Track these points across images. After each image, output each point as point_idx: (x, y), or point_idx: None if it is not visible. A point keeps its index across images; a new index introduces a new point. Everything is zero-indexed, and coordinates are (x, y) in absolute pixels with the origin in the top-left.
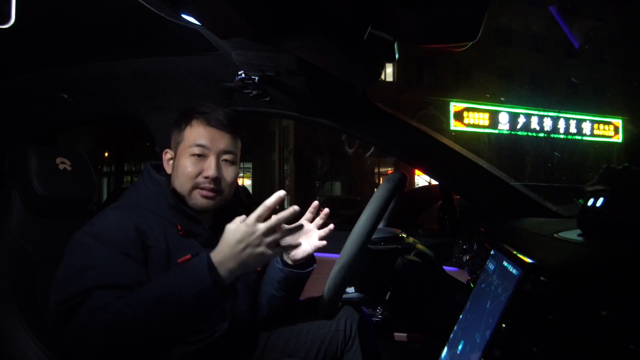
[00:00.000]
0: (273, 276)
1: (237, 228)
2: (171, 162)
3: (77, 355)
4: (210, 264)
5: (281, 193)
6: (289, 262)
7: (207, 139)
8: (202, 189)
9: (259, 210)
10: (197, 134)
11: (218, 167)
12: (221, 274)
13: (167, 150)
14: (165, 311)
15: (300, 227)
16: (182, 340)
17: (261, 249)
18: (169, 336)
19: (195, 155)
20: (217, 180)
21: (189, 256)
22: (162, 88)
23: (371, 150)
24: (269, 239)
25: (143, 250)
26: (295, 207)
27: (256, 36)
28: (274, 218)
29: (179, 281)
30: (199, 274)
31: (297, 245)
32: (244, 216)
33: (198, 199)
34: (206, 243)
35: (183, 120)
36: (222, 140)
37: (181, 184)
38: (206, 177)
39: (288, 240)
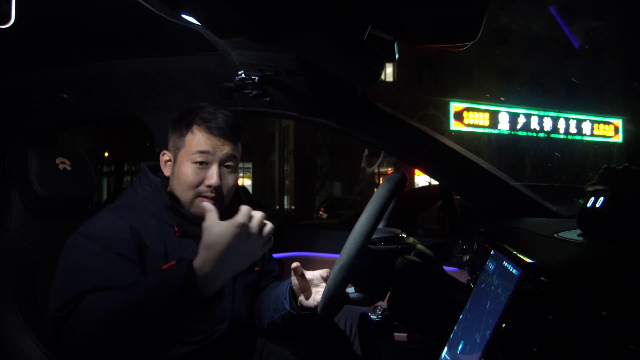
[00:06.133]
0: (279, 308)
1: (226, 230)
2: (169, 164)
3: (69, 357)
4: (189, 273)
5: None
6: (300, 303)
7: (210, 147)
8: (204, 197)
9: (245, 210)
10: (198, 142)
11: (220, 175)
12: (201, 280)
13: (165, 152)
14: (141, 316)
15: None
16: (177, 340)
17: (254, 247)
18: (148, 338)
19: (197, 163)
20: (219, 188)
21: (173, 262)
22: (162, 88)
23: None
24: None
25: (139, 251)
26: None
27: (256, 36)
28: (258, 213)
29: (154, 288)
30: (172, 282)
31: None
32: (215, 217)
33: (199, 207)
34: None
35: (183, 125)
36: (224, 148)
37: (182, 191)
38: (208, 186)
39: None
